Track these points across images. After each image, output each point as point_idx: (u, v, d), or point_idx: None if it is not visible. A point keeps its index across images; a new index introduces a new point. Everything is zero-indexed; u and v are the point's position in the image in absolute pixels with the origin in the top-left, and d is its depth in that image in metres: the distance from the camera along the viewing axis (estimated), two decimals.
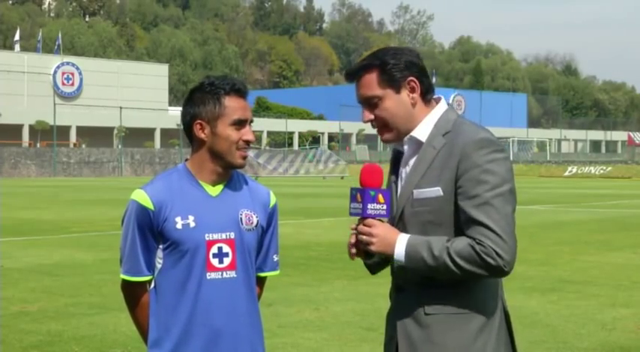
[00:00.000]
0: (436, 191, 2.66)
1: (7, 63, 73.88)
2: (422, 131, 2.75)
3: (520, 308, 8.42)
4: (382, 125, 2.76)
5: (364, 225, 2.68)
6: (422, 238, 2.65)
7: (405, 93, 2.73)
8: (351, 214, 2.72)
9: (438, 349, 2.69)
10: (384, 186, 2.76)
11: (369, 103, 2.75)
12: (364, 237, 2.67)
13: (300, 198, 27.05)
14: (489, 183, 2.61)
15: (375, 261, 2.85)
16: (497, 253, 2.57)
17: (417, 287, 2.72)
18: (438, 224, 2.68)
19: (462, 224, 2.65)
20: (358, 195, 2.69)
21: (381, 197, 2.67)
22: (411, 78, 2.73)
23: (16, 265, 11.53)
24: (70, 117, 71.46)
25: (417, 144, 2.76)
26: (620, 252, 13.40)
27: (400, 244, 2.65)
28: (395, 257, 2.66)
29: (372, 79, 2.73)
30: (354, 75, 2.77)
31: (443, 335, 2.69)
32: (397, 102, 2.73)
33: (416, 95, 2.74)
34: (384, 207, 2.67)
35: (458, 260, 2.58)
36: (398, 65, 2.72)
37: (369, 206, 2.67)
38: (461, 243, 2.60)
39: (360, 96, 2.77)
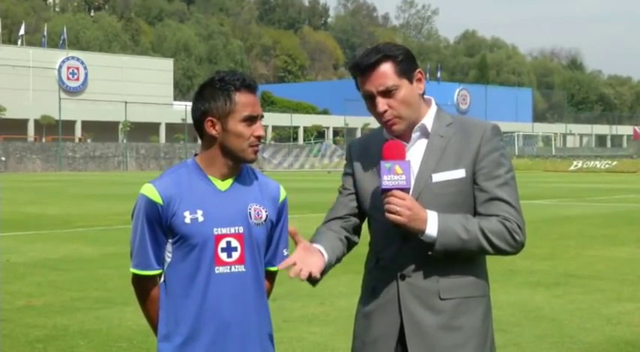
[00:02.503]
0: (460, 172, 2.78)
1: (12, 57, 73.92)
2: (428, 121, 2.86)
3: (525, 302, 8.43)
4: (395, 115, 2.80)
5: (396, 196, 2.68)
6: (451, 215, 2.73)
7: (415, 84, 2.83)
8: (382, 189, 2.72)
9: (453, 334, 2.75)
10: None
11: (386, 93, 2.78)
12: (399, 209, 2.67)
13: (305, 193, 27.07)
14: (506, 165, 2.81)
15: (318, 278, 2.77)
16: (520, 228, 2.76)
17: (429, 272, 2.77)
18: (459, 204, 2.78)
19: (480, 203, 2.78)
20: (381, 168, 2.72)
21: (398, 168, 2.68)
22: (419, 70, 2.84)
23: (21, 259, 11.56)
24: (75, 111, 71.54)
25: (424, 133, 2.85)
26: (625, 246, 13.38)
27: (432, 220, 2.70)
28: (427, 231, 2.70)
29: (388, 69, 2.78)
30: (369, 67, 2.79)
31: (459, 318, 2.76)
32: (411, 92, 2.81)
33: (422, 86, 2.85)
34: (403, 177, 2.68)
35: (490, 236, 2.72)
36: (408, 56, 2.82)
37: (386, 177, 2.69)
38: (489, 221, 2.74)
39: (375, 87, 2.78)
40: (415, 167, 2.80)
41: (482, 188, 2.77)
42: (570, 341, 6.84)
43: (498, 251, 2.75)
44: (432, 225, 2.69)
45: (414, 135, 2.84)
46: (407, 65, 2.80)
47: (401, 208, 2.66)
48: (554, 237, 14.53)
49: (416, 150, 2.83)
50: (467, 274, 2.79)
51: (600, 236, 14.93)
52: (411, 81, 2.81)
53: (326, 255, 2.80)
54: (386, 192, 2.70)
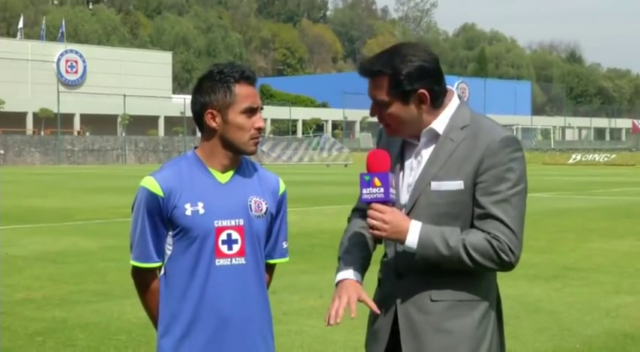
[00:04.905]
0: (458, 184, 2.69)
1: (11, 50, 73.81)
2: (438, 124, 2.75)
3: (524, 295, 8.43)
4: (386, 124, 2.78)
5: (375, 210, 2.66)
6: (435, 227, 2.67)
7: (412, 105, 2.71)
8: (361, 200, 2.73)
9: (443, 336, 2.71)
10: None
11: (378, 103, 2.74)
12: (376, 223, 2.66)
13: (303, 186, 27.05)
14: (510, 180, 2.67)
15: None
16: (510, 249, 2.66)
17: (423, 273, 2.73)
18: (454, 216, 2.70)
19: (476, 217, 2.69)
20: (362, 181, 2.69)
21: (377, 180, 2.65)
22: (422, 90, 2.69)
23: (20, 252, 11.56)
24: (73, 105, 71.45)
25: (434, 137, 2.75)
26: (624, 239, 13.39)
27: (413, 231, 2.66)
28: (406, 243, 2.67)
29: (382, 84, 2.70)
30: (366, 74, 2.75)
31: (449, 321, 2.72)
32: (403, 111, 2.71)
33: (424, 106, 2.72)
34: (382, 190, 2.65)
35: (473, 253, 2.64)
36: (410, 75, 2.67)
37: (365, 190, 2.67)
38: (476, 237, 2.65)
39: (370, 94, 2.75)
40: (419, 170, 2.75)
41: (479, 203, 2.68)
42: (569, 333, 6.86)
43: (481, 268, 2.68)
44: (412, 237, 2.65)
45: (422, 139, 2.77)
46: (407, 85, 2.66)
47: (378, 223, 2.65)
48: (552, 230, 14.54)
49: (425, 153, 2.76)
50: (461, 277, 2.72)
51: (599, 229, 14.95)
52: (406, 102, 2.68)
53: (359, 279, 2.87)
54: (367, 204, 2.69)
